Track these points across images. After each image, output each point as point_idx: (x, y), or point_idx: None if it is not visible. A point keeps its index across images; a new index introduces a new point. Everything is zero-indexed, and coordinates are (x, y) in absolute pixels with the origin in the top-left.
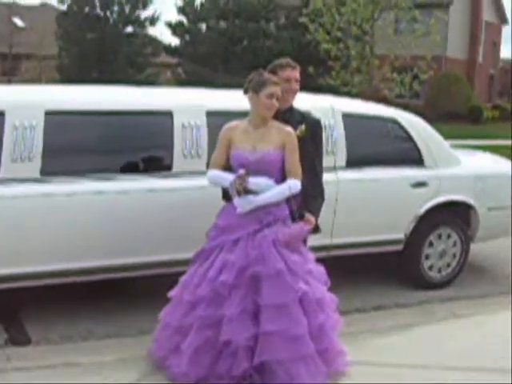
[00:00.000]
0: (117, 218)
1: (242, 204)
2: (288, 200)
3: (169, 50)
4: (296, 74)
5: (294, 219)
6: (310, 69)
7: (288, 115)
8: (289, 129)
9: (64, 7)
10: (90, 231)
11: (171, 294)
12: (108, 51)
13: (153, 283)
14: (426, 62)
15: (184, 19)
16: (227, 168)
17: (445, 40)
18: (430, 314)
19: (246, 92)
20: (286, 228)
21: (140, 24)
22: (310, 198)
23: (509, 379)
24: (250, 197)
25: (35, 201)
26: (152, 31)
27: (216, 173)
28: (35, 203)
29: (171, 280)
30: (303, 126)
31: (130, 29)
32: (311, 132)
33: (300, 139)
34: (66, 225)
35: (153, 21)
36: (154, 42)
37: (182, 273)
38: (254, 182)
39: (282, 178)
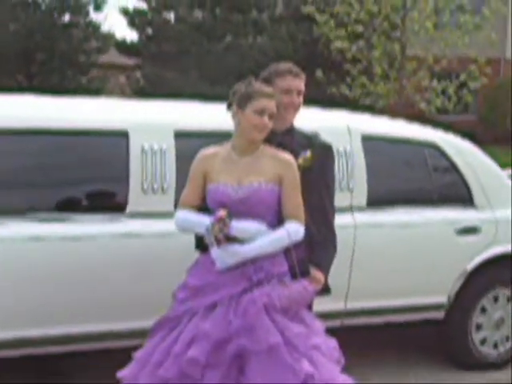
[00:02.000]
0: (51, 273)
1: (222, 257)
2: (287, 251)
3: (123, 46)
4: (299, 83)
5: (294, 276)
6: (319, 73)
7: (287, 138)
8: (287, 156)
9: None
10: (13, 290)
11: (122, 374)
12: (38, 47)
13: (97, 361)
14: (478, 65)
15: (145, 6)
16: (202, 209)
17: (504, 37)
18: None
19: (229, 107)
20: (284, 288)
21: (79, 9)
22: (318, 248)
23: None
24: (235, 246)
25: None
26: (99, 21)
27: (187, 215)
28: None
29: (122, 356)
30: (309, 153)
31: (67, 17)
32: (319, 160)
33: (304, 170)
34: None
35: (98, 5)
36: (100, 33)
37: (137, 348)
38: (240, 227)
39: (277, 222)
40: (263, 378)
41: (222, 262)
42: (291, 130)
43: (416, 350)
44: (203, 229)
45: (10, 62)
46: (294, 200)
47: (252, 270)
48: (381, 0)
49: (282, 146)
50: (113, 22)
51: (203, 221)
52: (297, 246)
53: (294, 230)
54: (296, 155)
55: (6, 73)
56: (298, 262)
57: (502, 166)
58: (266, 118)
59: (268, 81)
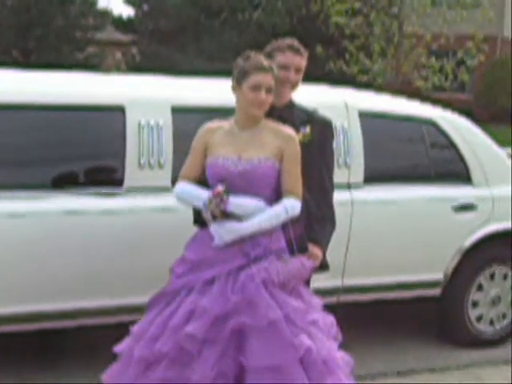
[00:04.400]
0: (46, 248)
1: (220, 233)
2: (285, 226)
3: (119, 23)
4: (299, 60)
5: (292, 252)
6: (318, 49)
7: (287, 113)
8: (289, 131)
9: None
10: (6, 266)
11: (119, 348)
12: (35, 23)
13: (92, 335)
14: (476, 43)
15: None
16: (202, 182)
17: (501, 15)
18: (477, 380)
19: (232, 83)
20: (282, 264)
21: None
22: (316, 224)
23: None
24: (233, 223)
25: None
26: None
27: (186, 187)
28: None
29: (118, 331)
30: (308, 128)
31: None
32: (319, 136)
33: (303, 145)
34: None
35: None
36: (97, 10)
37: (133, 322)
38: (238, 202)
39: (275, 197)
40: (263, 354)
41: (220, 238)
42: (291, 106)
43: (412, 328)
44: (201, 203)
45: (6, 38)
46: (294, 175)
47: (250, 246)
48: None
49: (281, 120)
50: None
51: (201, 195)
52: (295, 222)
53: (291, 205)
54: (296, 130)
55: (2, 48)
56: (297, 238)
57: (499, 143)
58: (262, 94)
59: (270, 55)
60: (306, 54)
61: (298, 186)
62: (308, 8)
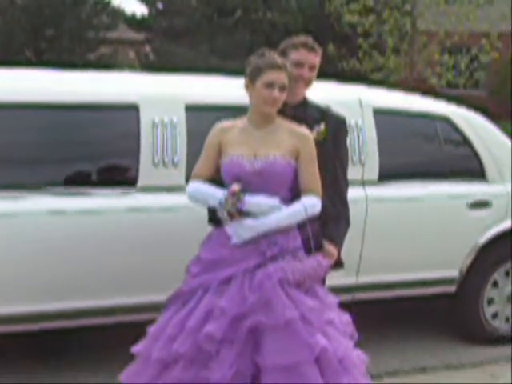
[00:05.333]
0: (62, 248)
1: (238, 231)
2: (301, 225)
3: (132, 22)
4: (313, 58)
5: (309, 251)
6: (330, 49)
7: (301, 111)
8: (304, 130)
9: None
10: (23, 265)
11: (136, 349)
12: (47, 23)
13: (110, 335)
14: (490, 40)
15: None
16: (215, 181)
17: None
18: (494, 379)
19: (245, 81)
20: (298, 263)
21: None
22: (331, 222)
23: None
24: (250, 221)
25: None
26: None
27: (199, 186)
28: None
29: (135, 331)
30: (322, 126)
31: None
32: (333, 134)
33: (317, 143)
34: None
35: None
36: (109, 9)
37: (150, 322)
38: (254, 201)
39: (291, 197)
40: (279, 353)
41: (239, 236)
42: (304, 104)
43: (428, 325)
44: (216, 202)
45: (19, 38)
46: (311, 174)
47: (266, 245)
48: None
49: (295, 118)
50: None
51: (216, 194)
52: (311, 220)
53: (310, 203)
54: (309, 128)
55: (15, 48)
56: (313, 236)
57: None
58: (275, 91)
59: (284, 53)
60: (320, 51)
61: (317, 184)
62: (321, 7)
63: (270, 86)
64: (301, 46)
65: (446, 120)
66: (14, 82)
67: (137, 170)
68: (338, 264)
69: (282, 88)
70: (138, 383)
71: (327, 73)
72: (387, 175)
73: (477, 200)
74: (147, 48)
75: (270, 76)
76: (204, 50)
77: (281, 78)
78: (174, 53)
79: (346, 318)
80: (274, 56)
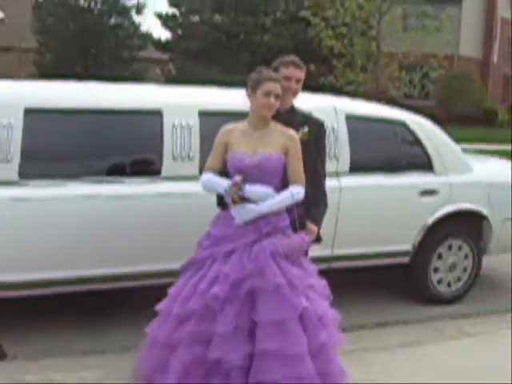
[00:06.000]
0: (101, 225)
1: (240, 213)
2: (289, 209)
3: (158, 44)
4: (298, 73)
5: (295, 229)
6: (312, 67)
7: (289, 116)
8: (292, 132)
9: None
10: (72, 238)
11: (159, 307)
12: (92, 44)
13: (139, 296)
14: (437, 60)
15: (176, 11)
16: (223, 172)
17: (457, 37)
18: (439, 332)
19: (247, 91)
20: (287, 239)
21: (125, 11)
22: (313, 206)
23: None
24: (251, 206)
25: (10, 206)
26: (139, 22)
27: (210, 177)
28: (12, 207)
29: (159, 292)
30: (306, 129)
31: (114, 20)
32: (314, 135)
33: (302, 142)
34: (46, 231)
35: (139, 9)
36: (140, 32)
37: (171, 284)
38: (252, 189)
39: (282, 186)
40: (270, 311)
41: (240, 217)
42: (292, 110)
43: (387, 289)
44: (223, 190)
45: (71, 56)
46: (297, 167)
47: (262, 224)
48: (361, 7)
49: (285, 122)
50: (150, 24)
51: (223, 183)
52: (297, 204)
53: (296, 191)
54: (296, 130)
55: (68, 64)
56: (299, 218)
57: (455, 141)
58: (272, 99)
59: (276, 69)
60: (304, 68)
61: (302, 176)
62: (305, 33)
63: (267, 94)
64: (290, 64)
65: (402, 124)
66: (67, 91)
67: (161, 163)
68: (318, 239)
69: (277, 96)
70: (160, 335)
71: (310, 86)
72: (356, 168)
73: (426, 189)
74: (170, 66)
75: (268, 86)
76: (214, 67)
77: (276, 88)
78: (191, 69)
79: (323, 282)
80: (270, 71)
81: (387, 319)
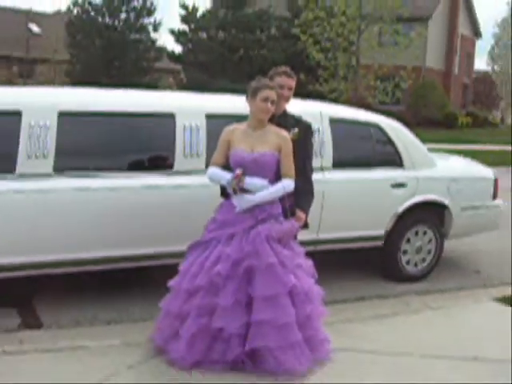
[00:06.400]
0: (122, 211)
1: (240, 202)
2: (282, 198)
3: (172, 56)
4: (290, 82)
5: (286, 216)
6: (301, 76)
7: (282, 119)
8: (285, 133)
9: (73, 15)
10: (98, 223)
11: (171, 283)
12: (116, 57)
13: (154, 273)
14: (407, 71)
15: (186, 28)
16: (226, 167)
17: (424, 52)
18: (407, 306)
19: (247, 97)
20: (279, 225)
21: (143, 29)
22: (301, 196)
23: (478, 366)
24: (249, 196)
25: (47, 196)
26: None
27: (215, 171)
28: (47, 198)
29: (170, 271)
30: (296, 130)
31: (134, 35)
32: (303, 135)
33: (293, 142)
34: (76, 217)
35: (155, 26)
36: (156, 47)
37: (180, 263)
38: (250, 182)
39: (275, 178)
40: (263, 287)
41: (240, 206)
42: (284, 114)
43: (364, 268)
44: (225, 182)
45: (97, 67)
46: (288, 163)
47: (258, 212)
48: (343, 25)
49: (279, 124)
50: (165, 39)
51: (225, 176)
52: (288, 195)
53: (287, 184)
54: (288, 131)
55: (95, 74)
56: (289, 206)
57: (422, 141)
58: (268, 104)
59: (271, 78)
60: (295, 77)
61: (292, 171)
62: (296, 47)
63: (265, 100)
64: (283, 74)
65: (377, 126)
66: (95, 97)
67: (173, 159)
68: (305, 225)
69: (273, 102)
70: (172, 308)
71: (299, 93)
72: (338, 164)
73: (397, 182)
74: (182, 75)
75: (266, 93)
76: (219, 76)
77: (272, 94)
78: (199, 78)
79: (310, 262)
80: (267, 80)
81: (363, 294)
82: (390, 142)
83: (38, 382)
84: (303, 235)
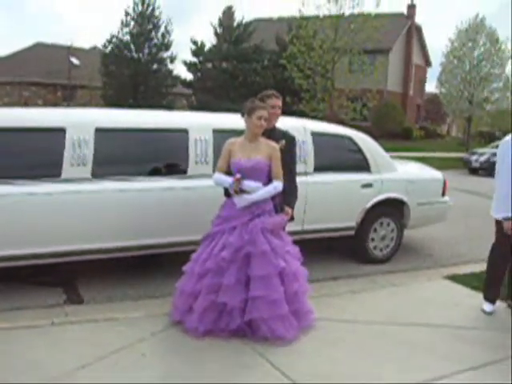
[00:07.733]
0: (148, 209)
1: (240, 201)
2: (273, 197)
3: (185, 83)
4: (279, 102)
5: (276, 211)
6: (288, 98)
7: (272, 133)
8: (274, 144)
9: (107, 50)
10: (130, 218)
11: (185, 267)
12: (140, 83)
13: (171, 259)
14: (372, 94)
15: (196, 60)
16: (228, 172)
17: (385, 77)
18: (374, 283)
19: (242, 115)
20: (271, 218)
21: (162, 61)
22: (289, 195)
23: (429, 332)
24: (247, 196)
25: (86, 196)
26: (172, 68)
27: (219, 176)
28: (87, 198)
29: (184, 257)
30: (283, 141)
31: (155, 66)
32: (289, 146)
33: (281, 151)
34: (113, 214)
35: (172, 59)
36: (172, 75)
37: (194, 251)
38: (247, 184)
39: (267, 181)
40: (258, 268)
41: (240, 204)
42: (274, 129)
43: (340, 253)
44: (228, 184)
45: (125, 92)
46: (278, 169)
47: (254, 208)
48: (321, 57)
49: (269, 137)
50: (179, 69)
51: (228, 180)
52: (278, 194)
53: (277, 185)
54: (277, 142)
55: (123, 99)
56: (279, 203)
57: (385, 150)
58: (262, 121)
59: (262, 99)
60: (281, 98)
61: (280, 175)
62: (283, 74)
63: (259, 118)
64: (272, 96)
65: (349, 138)
66: (124, 116)
67: (187, 166)
68: (292, 219)
69: (266, 119)
70: (186, 288)
71: (285, 112)
72: (318, 168)
73: (365, 183)
74: (193, 98)
75: (260, 113)
76: (223, 99)
77: (265, 113)
78: (207, 101)
79: (296, 249)
80: (260, 102)
81: (339, 274)
82: (359, 150)
83: (83, 346)
84: (291, 227)
